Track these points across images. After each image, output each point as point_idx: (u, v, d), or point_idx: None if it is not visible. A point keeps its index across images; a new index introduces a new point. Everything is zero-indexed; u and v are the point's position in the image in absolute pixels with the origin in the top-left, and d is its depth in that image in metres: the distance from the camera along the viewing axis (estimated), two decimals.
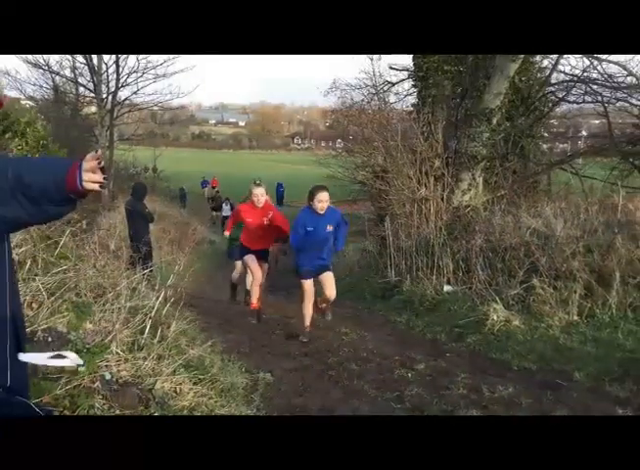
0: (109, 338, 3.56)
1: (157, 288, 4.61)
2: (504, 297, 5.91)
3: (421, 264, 7.79)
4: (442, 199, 9.05)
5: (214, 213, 24.91)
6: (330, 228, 5.63)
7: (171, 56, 19.66)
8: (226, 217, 19.82)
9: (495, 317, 5.58)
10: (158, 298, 4.20)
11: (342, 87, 14.38)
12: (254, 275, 6.42)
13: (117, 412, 2.90)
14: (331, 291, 5.75)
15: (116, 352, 3.45)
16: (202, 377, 3.57)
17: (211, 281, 11.75)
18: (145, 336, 3.80)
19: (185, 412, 3.16)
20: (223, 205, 22.89)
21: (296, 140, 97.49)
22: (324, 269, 5.77)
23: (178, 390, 3.41)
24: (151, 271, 6.71)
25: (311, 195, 5.55)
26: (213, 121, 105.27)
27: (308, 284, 5.76)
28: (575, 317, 5.36)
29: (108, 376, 3.24)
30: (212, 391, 3.54)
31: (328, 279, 5.77)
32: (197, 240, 15.32)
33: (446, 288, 7.08)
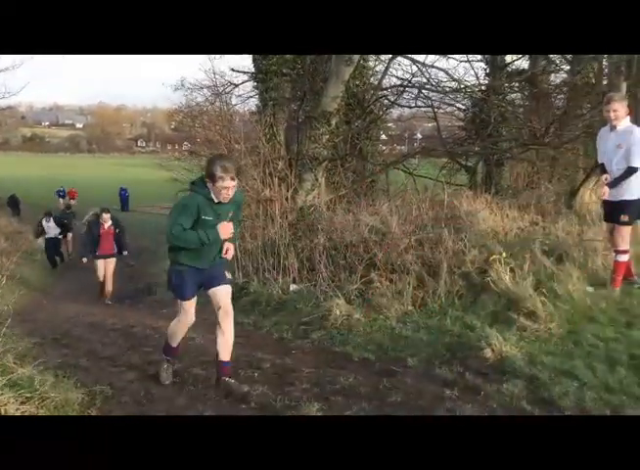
0: None
1: None
2: (346, 292, 6.15)
3: (267, 265, 7.88)
4: (287, 199, 9.21)
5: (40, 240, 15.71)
6: None
7: None
8: (52, 242, 15.13)
9: (338, 312, 5.79)
10: None
11: (188, 86, 14.16)
12: None
13: None
14: None
15: None
16: (29, 395, 3.32)
17: (47, 294, 10.98)
18: None
19: None
20: (43, 221, 15.19)
21: (139, 143, 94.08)
22: None
23: (3, 411, 3.15)
24: None
25: None
26: (47, 123, 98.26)
27: None
28: (410, 307, 5.72)
29: None
30: (43, 409, 3.31)
31: None
32: (27, 249, 14.23)
33: (292, 287, 7.21)
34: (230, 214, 4.06)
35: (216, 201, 3.93)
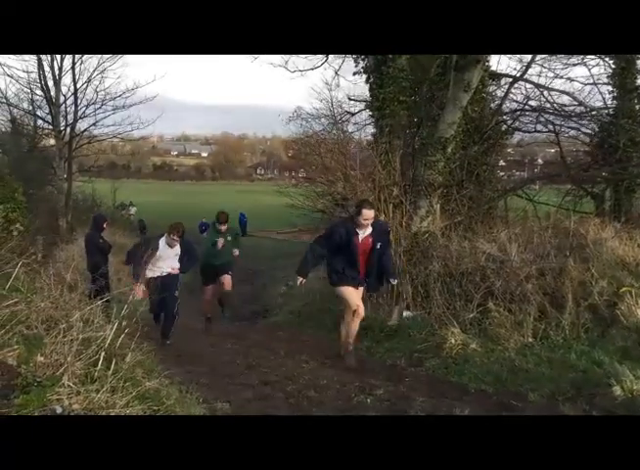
0: (60, 370, 3.49)
1: (112, 319, 4.55)
2: (461, 321, 6.00)
3: (381, 291, 7.85)
4: (401, 225, 9.18)
5: None
6: None
7: (130, 87, 19.68)
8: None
9: (453, 341, 5.65)
10: (112, 329, 4.14)
11: (304, 115, 14.54)
12: None
13: None
14: None
15: (68, 385, 3.38)
16: (156, 408, 3.51)
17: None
18: (98, 368, 3.74)
19: None
20: (160, 242, 7.10)
21: (259, 171, 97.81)
22: None
23: None
24: (107, 303, 6.62)
25: None
26: (175, 152, 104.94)
27: None
28: (530, 339, 5.47)
29: (58, 409, 3.16)
30: None
31: None
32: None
33: (406, 313, 7.14)
34: None
35: None
